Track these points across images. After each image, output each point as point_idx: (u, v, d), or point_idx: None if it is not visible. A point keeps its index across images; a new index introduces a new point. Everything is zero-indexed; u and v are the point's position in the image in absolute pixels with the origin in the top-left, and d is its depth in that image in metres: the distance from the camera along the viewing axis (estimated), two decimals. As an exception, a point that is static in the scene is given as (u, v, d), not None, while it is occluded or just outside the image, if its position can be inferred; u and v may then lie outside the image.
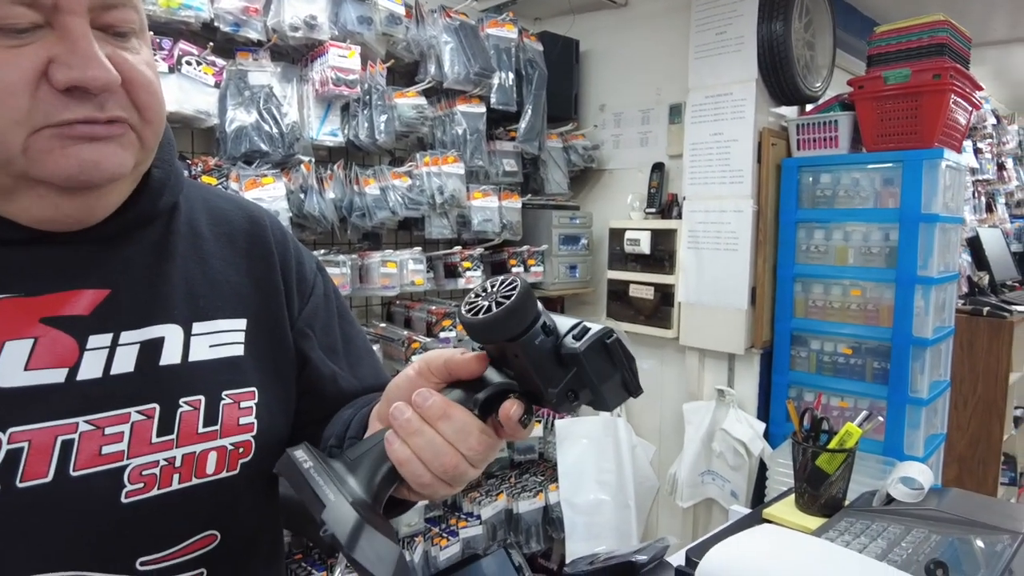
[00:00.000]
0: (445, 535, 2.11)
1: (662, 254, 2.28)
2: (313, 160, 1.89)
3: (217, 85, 1.72)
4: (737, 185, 2.10)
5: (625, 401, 0.53)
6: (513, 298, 0.49)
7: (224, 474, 0.63)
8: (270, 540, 0.73)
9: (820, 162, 2.07)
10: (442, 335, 2.07)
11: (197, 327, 0.65)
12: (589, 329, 0.50)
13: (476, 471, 0.53)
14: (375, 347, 1.97)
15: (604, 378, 0.50)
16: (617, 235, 2.39)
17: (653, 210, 2.32)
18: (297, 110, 1.89)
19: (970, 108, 2.02)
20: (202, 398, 0.63)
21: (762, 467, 2.12)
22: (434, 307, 2.14)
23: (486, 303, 0.50)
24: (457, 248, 2.14)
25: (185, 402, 0.62)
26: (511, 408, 0.51)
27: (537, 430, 2.37)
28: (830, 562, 0.86)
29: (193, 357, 0.64)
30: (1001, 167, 3.84)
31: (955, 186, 2.01)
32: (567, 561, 2.34)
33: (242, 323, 0.69)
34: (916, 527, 1.00)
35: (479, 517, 2.18)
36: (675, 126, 2.33)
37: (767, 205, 2.10)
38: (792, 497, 1.20)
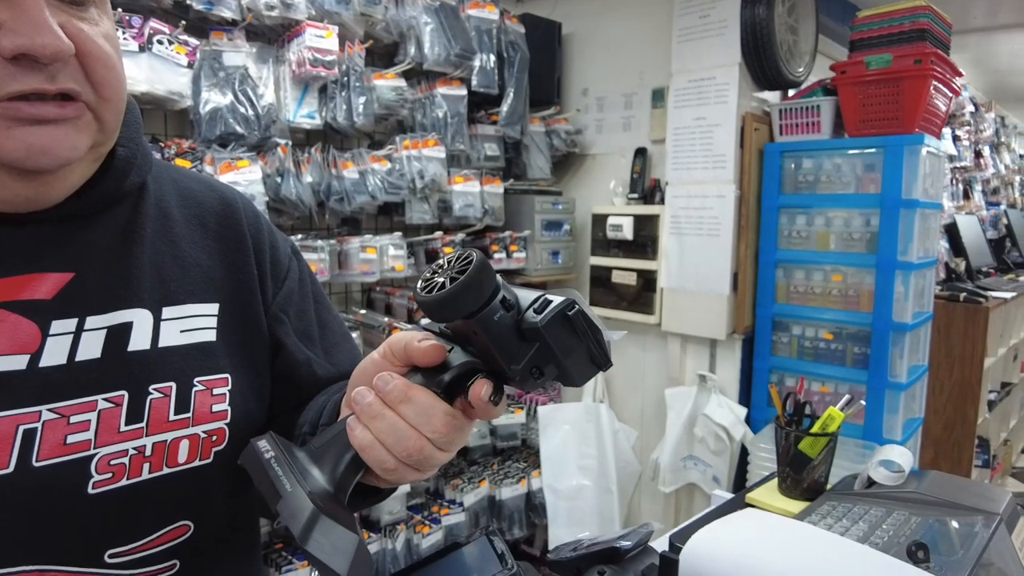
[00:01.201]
0: (427, 523, 2.10)
1: (645, 240, 2.27)
2: (290, 143, 1.85)
3: (190, 65, 1.67)
4: (720, 170, 2.09)
5: (594, 375, 0.51)
6: (467, 273, 0.46)
7: (197, 463, 0.61)
8: (246, 530, 0.72)
9: (802, 147, 2.07)
10: (423, 322, 2.05)
11: (167, 311, 0.63)
12: (551, 302, 0.48)
13: (445, 454, 0.51)
14: (354, 334, 1.94)
15: (569, 352, 0.48)
16: (600, 221, 2.38)
17: (636, 195, 2.31)
18: (273, 92, 1.85)
19: (950, 94, 2.03)
20: (173, 384, 0.61)
21: (743, 452, 2.14)
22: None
23: (441, 279, 0.48)
24: (438, 233, 2.12)
25: (155, 389, 0.59)
26: (481, 389, 0.49)
27: (519, 416, 2.36)
28: (812, 545, 0.86)
29: (163, 342, 0.61)
30: (978, 154, 3.89)
31: (935, 172, 2.02)
32: (550, 546, 2.35)
33: (214, 307, 0.67)
34: (896, 509, 1.00)
35: (461, 504, 2.18)
36: (658, 110, 2.31)
37: (749, 190, 2.10)
38: (775, 481, 1.20)
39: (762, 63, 2.07)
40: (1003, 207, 4.12)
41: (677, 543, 1.01)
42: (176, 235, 0.67)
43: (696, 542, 0.90)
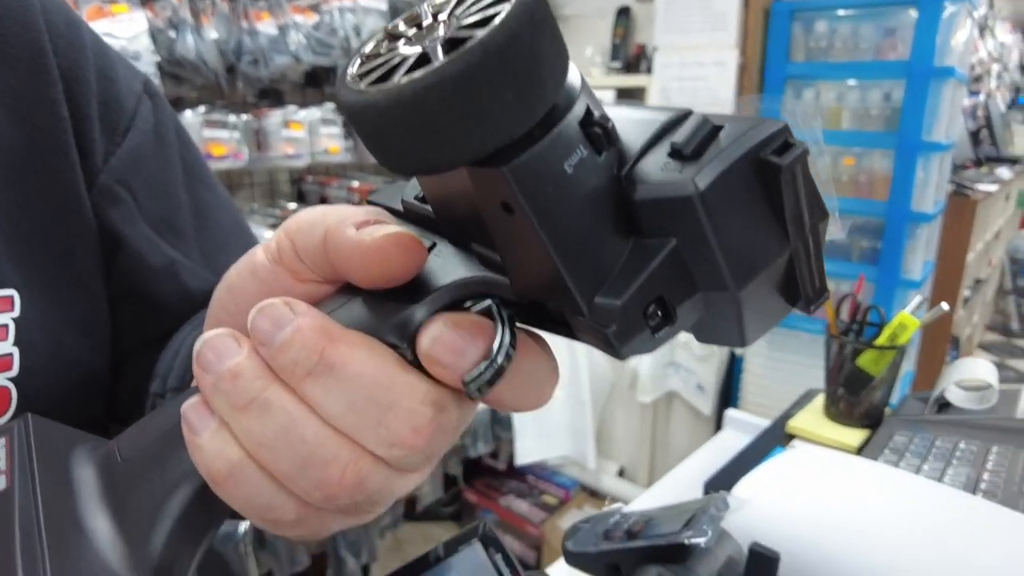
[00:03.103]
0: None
1: (627, 119, 1.95)
2: (186, -14, 1.43)
3: None
4: (720, 32, 1.76)
5: (781, 321, 0.22)
6: (497, 25, 0.17)
7: None
8: None
9: (816, 5, 1.74)
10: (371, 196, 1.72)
11: None
12: (719, 129, 0.19)
13: (413, 478, 0.23)
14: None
15: (755, 261, 0.19)
16: (573, 97, 2.04)
17: (618, 64, 1.97)
18: (158, -87, 1.41)
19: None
20: None
21: (732, 358, 1.94)
22: (356, 183, 1.77)
23: (416, 50, 0.18)
24: (382, 109, 1.74)
25: None
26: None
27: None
28: (921, 504, 0.62)
29: None
30: (967, 35, 3.62)
31: (970, 38, 1.74)
32: (516, 460, 2.16)
33: None
34: (995, 443, 0.77)
35: (419, 423, 1.94)
36: (644, -39, 1.93)
37: (752, 58, 1.78)
38: (817, 404, 0.97)
39: None
40: (982, 96, 3.92)
41: (713, 491, 0.77)
42: None
43: (749, 493, 0.65)
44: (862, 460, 0.75)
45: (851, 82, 1.72)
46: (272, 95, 1.70)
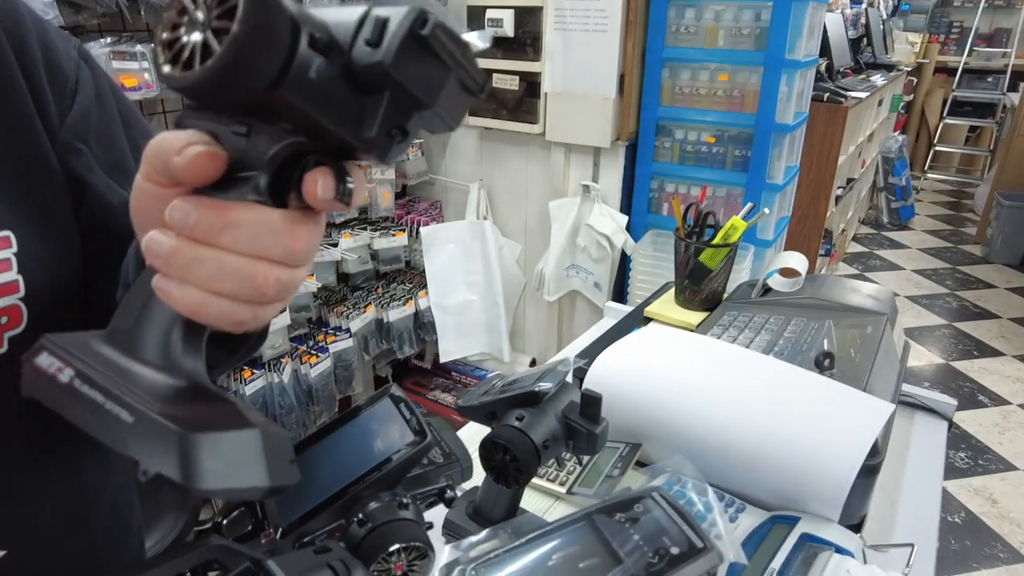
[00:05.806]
0: (314, 352, 2.01)
1: (527, 37, 2.05)
2: (74, -94, 1.41)
3: None
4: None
5: (469, 108, 0.36)
6: (240, 17, 0.28)
7: None
8: (75, 439, 0.57)
9: (696, -73, 1.87)
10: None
11: None
12: (387, 21, 0.31)
13: (306, 268, 0.37)
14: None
15: (435, 89, 0.33)
16: (477, 14, 2.11)
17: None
18: None
19: None
20: None
21: (623, 258, 2.17)
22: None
23: (197, 37, 0.29)
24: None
25: None
26: (315, 185, 0.33)
27: (402, 239, 2.24)
28: (725, 363, 0.85)
29: None
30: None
31: (828, -42, 1.91)
32: (441, 359, 2.38)
33: None
34: (795, 316, 1.01)
35: (348, 330, 2.10)
36: None
37: (639, -20, 1.91)
38: (671, 293, 1.19)
39: None
40: (864, 5, 4.16)
41: (584, 365, 0.98)
42: None
43: (603, 365, 0.86)
44: (690, 333, 0.97)
45: (728, 2, 1.88)
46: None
